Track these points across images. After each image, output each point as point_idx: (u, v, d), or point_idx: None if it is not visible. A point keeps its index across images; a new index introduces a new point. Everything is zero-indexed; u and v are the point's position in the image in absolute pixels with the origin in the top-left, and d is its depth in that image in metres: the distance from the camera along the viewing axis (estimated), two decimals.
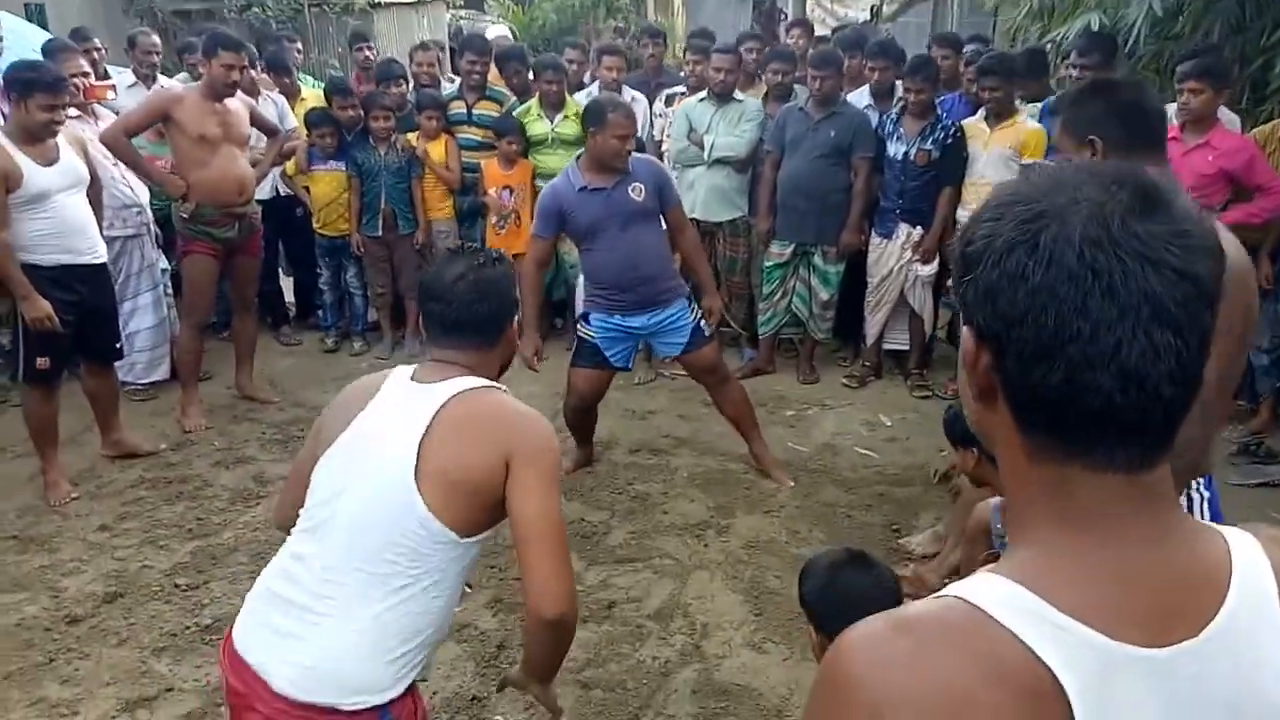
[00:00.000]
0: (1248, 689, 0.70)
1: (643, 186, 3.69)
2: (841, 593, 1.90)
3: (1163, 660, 0.68)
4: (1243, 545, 0.76)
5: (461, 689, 2.77)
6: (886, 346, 5.07)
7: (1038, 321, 0.68)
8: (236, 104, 4.51)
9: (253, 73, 5.44)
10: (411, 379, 1.80)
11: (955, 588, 0.73)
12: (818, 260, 4.91)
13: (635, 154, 3.80)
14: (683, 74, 5.61)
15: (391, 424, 1.74)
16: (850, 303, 5.03)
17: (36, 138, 3.70)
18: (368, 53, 6.49)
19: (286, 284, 6.11)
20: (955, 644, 0.69)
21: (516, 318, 1.94)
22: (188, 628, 3.09)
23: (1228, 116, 4.16)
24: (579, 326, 3.99)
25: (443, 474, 1.66)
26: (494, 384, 1.82)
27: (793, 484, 3.90)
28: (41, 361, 3.82)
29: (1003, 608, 0.69)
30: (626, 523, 3.66)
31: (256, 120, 4.75)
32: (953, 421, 2.81)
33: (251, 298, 4.95)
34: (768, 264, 5.01)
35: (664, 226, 3.88)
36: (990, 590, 0.71)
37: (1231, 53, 4.90)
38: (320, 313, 5.90)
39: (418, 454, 1.67)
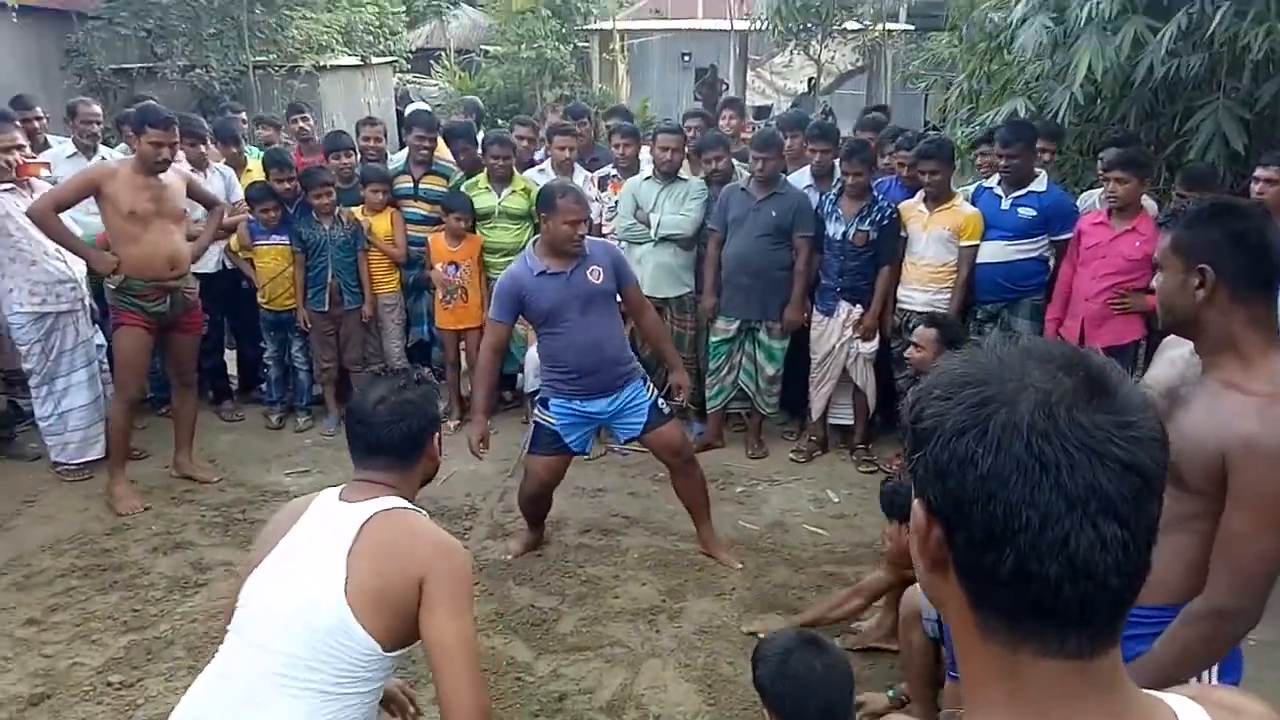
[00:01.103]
0: None
1: (600, 269, 3.72)
2: (795, 676, 1.95)
3: None
4: (1188, 717, 0.77)
5: None
6: (832, 421, 5.15)
7: (987, 509, 0.69)
8: (172, 177, 4.48)
9: (202, 148, 5.42)
10: (339, 498, 1.92)
11: None
12: (763, 336, 5.00)
13: (591, 238, 3.84)
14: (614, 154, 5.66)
15: (319, 539, 1.85)
16: (796, 377, 5.11)
17: None
18: (302, 124, 6.48)
19: (230, 357, 6.00)
20: None
21: (437, 436, 2.05)
22: None
23: (1147, 203, 4.38)
24: (536, 411, 3.98)
25: (368, 591, 1.76)
26: (411, 507, 1.93)
27: (740, 566, 3.91)
28: None
29: None
30: (577, 608, 3.63)
31: (195, 193, 4.70)
32: (891, 495, 2.78)
33: (191, 375, 4.85)
34: (714, 340, 5.07)
35: (618, 307, 3.90)
36: None
37: (1147, 137, 5.18)
38: (264, 387, 5.81)
39: (345, 571, 1.77)
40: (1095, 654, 0.73)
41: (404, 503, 1.92)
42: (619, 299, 3.89)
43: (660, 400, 3.89)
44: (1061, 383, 0.71)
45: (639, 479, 4.78)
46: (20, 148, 4.63)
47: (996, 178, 4.67)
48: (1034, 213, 4.51)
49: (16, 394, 5.17)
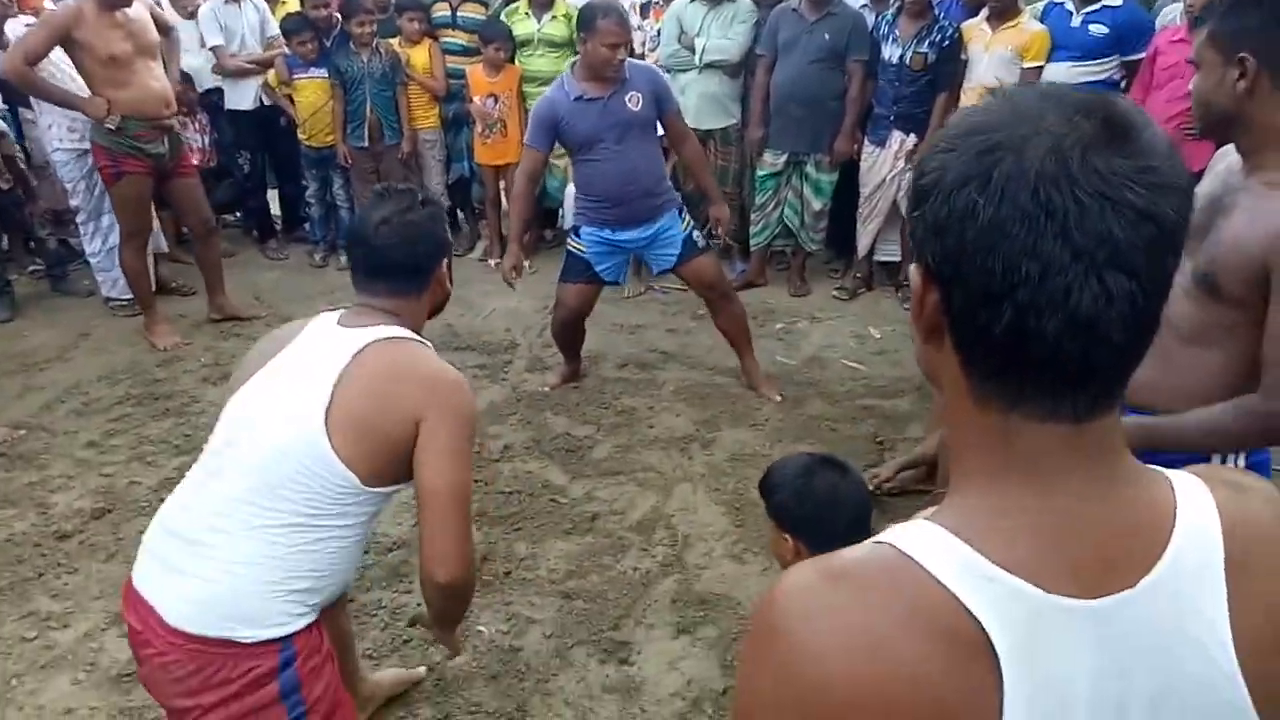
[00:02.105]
0: (1180, 639, 0.68)
1: (640, 95, 3.55)
2: (820, 495, 1.86)
3: (1095, 611, 0.66)
4: (1189, 491, 0.72)
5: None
6: (878, 258, 4.99)
7: (985, 263, 0.64)
8: (138, 9, 4.17)
9: None
10: (337, 323, 1.77)
11: (889, 534, 0.71)
12: (810, 169, 4.80)
13: (632, 61, 3.65)
14: None
15: (308, 364, 1.70)
16: (843, 215, 4.94)
17: None
18: None
19: (272, 196, 6.00)
20: (882, 593, 0.67)
21: (446, 261, 1.88)
22: None
23: None
24: (569, 240, 3.91)
25: (352, 419, 1.62)
26: (414, 336, 1.78)
27: (779, 399, 3.88)
28: None
29: (933, 557, 0.67)
30: (612, 437, 3.66)
31: (156, 20, 4.39)
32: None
33: (208, 219, 4.73)
34: (761, 174, 4.89)
35: (658, 134, 3.76)
36: (922, 539, 0.69)
37: None
38: (307, 226, 5.82)
39: (330, 396, 1.63)
40: (1092, 416, 0.69)
41: (406, 332, 1.77)
42: (659, 127, 3.74)
43: (695, 232, 3.79)
44: (1079, 126, 0.64)
45: (678, 316, 4.73)
46: None
47: None
48: (1106, 30, 4.16)
49: (68, 233, 5.25)
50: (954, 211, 0.65)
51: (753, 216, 5.02)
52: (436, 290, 1.87)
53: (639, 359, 4.32)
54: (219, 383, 4.16)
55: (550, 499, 3.26)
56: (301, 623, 1.63)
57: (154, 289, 4.69)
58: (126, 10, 4.08)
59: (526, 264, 4.04)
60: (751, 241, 5.09)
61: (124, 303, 4.87)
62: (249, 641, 1.58)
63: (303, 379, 1.67)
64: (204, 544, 1.62)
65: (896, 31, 4.50)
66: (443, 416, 1.65)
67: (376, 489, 1.66)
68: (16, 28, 4.65)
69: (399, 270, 1.79)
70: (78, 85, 4.24)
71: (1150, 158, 0.64)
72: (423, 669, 2.50)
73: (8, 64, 4.10)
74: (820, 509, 1.85)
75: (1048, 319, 0.64)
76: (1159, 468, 0.75)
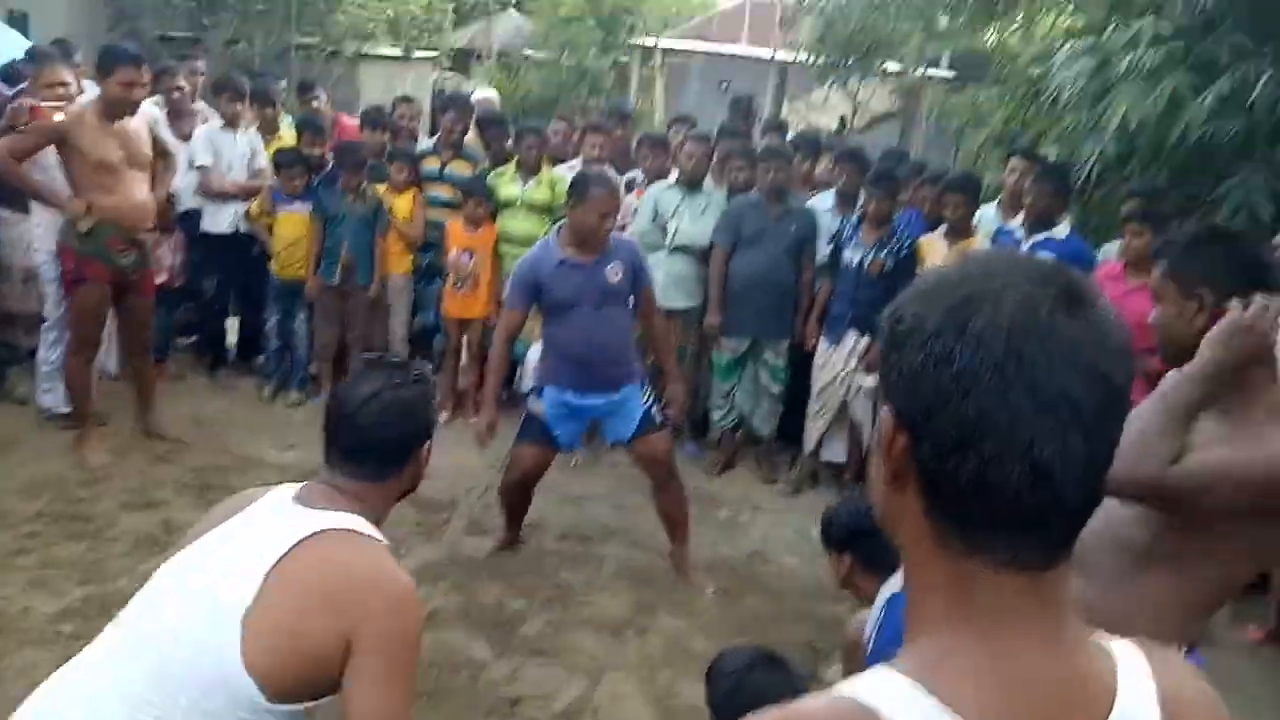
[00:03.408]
0: None
1: (621, 267, 3.63)
2: (751, 696, 1.79)
3: None
4: (1129, 659, 0.77)
5: None
6: (824, 457, 5.05)
7: (959, 408, 0.68)
8: (137, 122, 4.28)
9: (238, 105, 5.44)
10: (293, 498, 1.61)
11: (848, 685, 0.71)
12: (768, 355, 4.93)
13: (615, 233, 3.75)
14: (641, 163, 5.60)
15: (244, 546, 1.52)
16: (791, 409, 5.03)
17: None
18: (314, 104, 6.34)
19: (231, 324, 5.96)
20: None
21: (427, 445, 1.75)
22: None
23: None
24: (530, 401, 3.90)
25: (272, 621, 1.44)
26: (373, 535, 1.60)
27: (711, 591, 3.80)
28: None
29: (894, 706, 0.67)
30: (545, 612, 3.54)
31: (155, 141, 4.50)
32: (828, 525, 2.51)
33: (147, 341, 4.70)
34: (724, 360, 5.00)
35: (630, 307, 3.82)
36: (882, 688, 0.69)
37: (1175, 199, 5.10)
38: (261, 358, 5.76)
39: (256, 592, 1.45)
40: (1047, 567, 0.73)
41: (367, 527, 1.59)
42: (632, 299, 3.81)
43: (655, 408, 3.81)
44: (1043, 287, 0.70)
45: (625, 490, 4.69)
46: (64, 84, 4.56)
47: (1020, 218, 4.58)
48: (1054, 257, 4.43)
49: (13, 337, 5.13)
50: (930, 357, 0.69)
51: (718, 401, 5.09)
52: (411, 474, 1.73)
53: (581, 531, 4.25)
54: (141, 509, 4.00)
55: (471, 675, 3.11)
56: None
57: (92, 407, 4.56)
58: (125, 121, 4.17)
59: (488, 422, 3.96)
60: (717, 424, 5.15)
61: (59, 415, 4.71)
62: None
63: (234, 559, 1.50)
64: (94, 714, 1.45)
65: (859, 236, 4.73)
66: (379, 639, 1.45)
67: (283, 706, 1.45)
68: None
69: (379, 451, 1.65)
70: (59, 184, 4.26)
71: (1104, 324, 0.70)
72: None
73: None
74: (749, 711, 1.78)
75: (1010, 468, 0.68)
76: (1099, 631, 0.79)
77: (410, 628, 1.52)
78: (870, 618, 2.21)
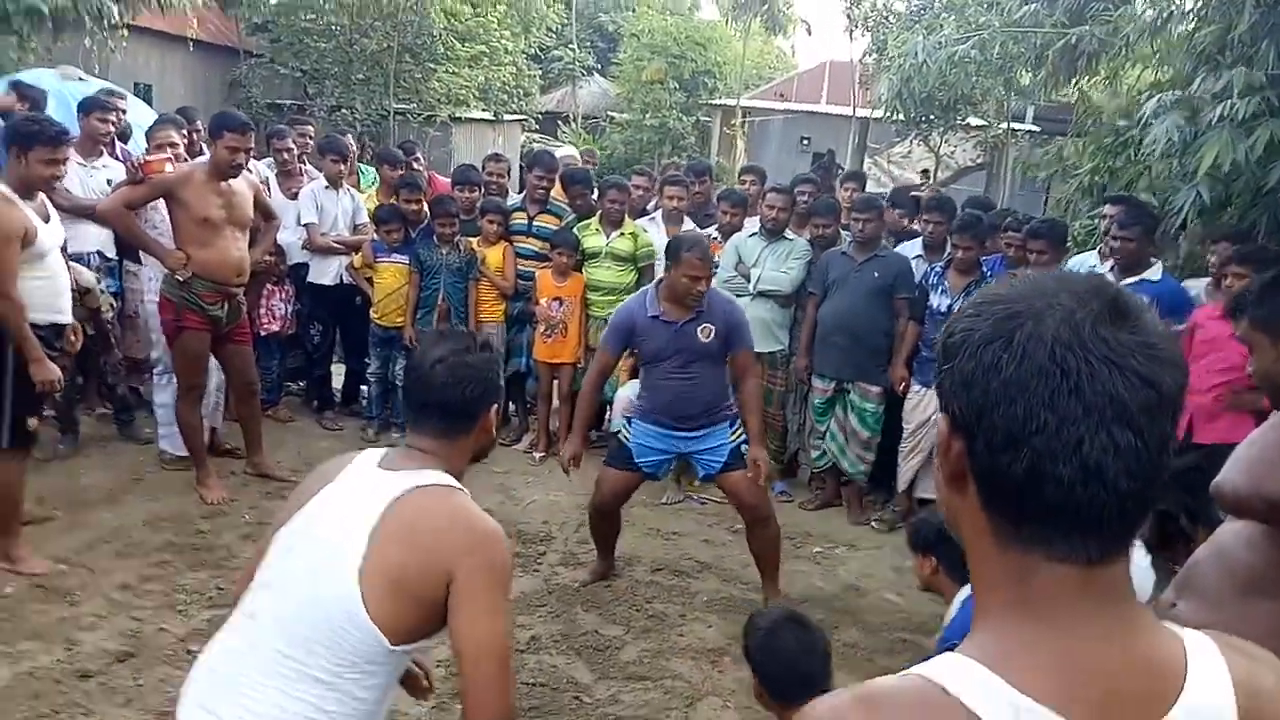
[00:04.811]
0: None
1: (713, 328, 3.73)
2: (779, 648, 2.16)
3: None
4: (1200, 647, 0.79)
5: None
6: (918, 494, 5.05)
7: (1007, 411, 0.73)
8: (242, 184, 4.54)
9: (341, 166, 5.79)
10: (378, 464, 1.77)
11: (918, 667, 0.76)
12: (854, 398, 4.98)
13: (717, 293, 3.85)
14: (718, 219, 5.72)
15: (345, 511, 1.69)
16: (885, 448, 5.05)
17: (33, 193, 3.63)
18: (414, 165, 6.58)
19: (336, 370, 6.27)
20: (913, 718, 0.72)
21: (495, 407, 1.89)
22: None
23: None
24: (621, 427, 4.02)
25: (386, 576, 1.60)
26: (455, 485, 1.76)
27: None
28: (33, 423, 3.69)
29: (963, 686, 0.72)
30: (641, 640, 3.62)
31: (259, 203, 4.74)
32: (917, 529, 2.74)
33: (253, 385, 4.93)
34: (818, 401, 5.10)
35: (725, 363, 3.87)
36: (952, 670, 0.74)
37: (1275, 246, 5.02)
38: (364, 401, 6.03)
39: (365, 549, 1.61)
40: (1104, 560, 0.75)
41: (448, 479, 1.74)
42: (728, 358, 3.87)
43: (744, 446, 3.87)
44: (1088, 303, 0.74)
45: (715, 528, 4.76)
46: (173, 145, 4.96)
47: (1109, 263, 4.58)
48: (1146, 300, 4.38)
49: (140, 381, 5.49)
50: (980, 366, 0.75)
51: (813, 441, 5.18)
52: (481, 436, 1.86)
53: (674, 565, 4.32)
54: (259, 540, 4.18)
55: (574, 696, 3.20)
56: None
57: (208, 446, 4.84)
58: (231, 182, 4.48)
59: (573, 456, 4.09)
60: (814, 464, 5.24)
61: (175, 457, 4.98)
62: None
63: (339, 527, 1.66)
64: (237, 690, 1.62)
65: (946, 283, 4.78)
66: (477, 572, 1.62)
67: (404, 646, 1.63)
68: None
69: (448, 410, 1.79)
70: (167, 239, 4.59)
71: (1151, 335, 0.74)
72: None
73: (105, 205, 4.44)
74: (778, 661, 2.17)
75: (1061, 465, 0.72)
76: (1170, 624, 0.81)
77: (501, 557, 1.69)
78: (947, 615, 2.41)
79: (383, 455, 1.80)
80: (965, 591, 2.30)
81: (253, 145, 4.61)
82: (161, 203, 4.56)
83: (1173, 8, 6.23)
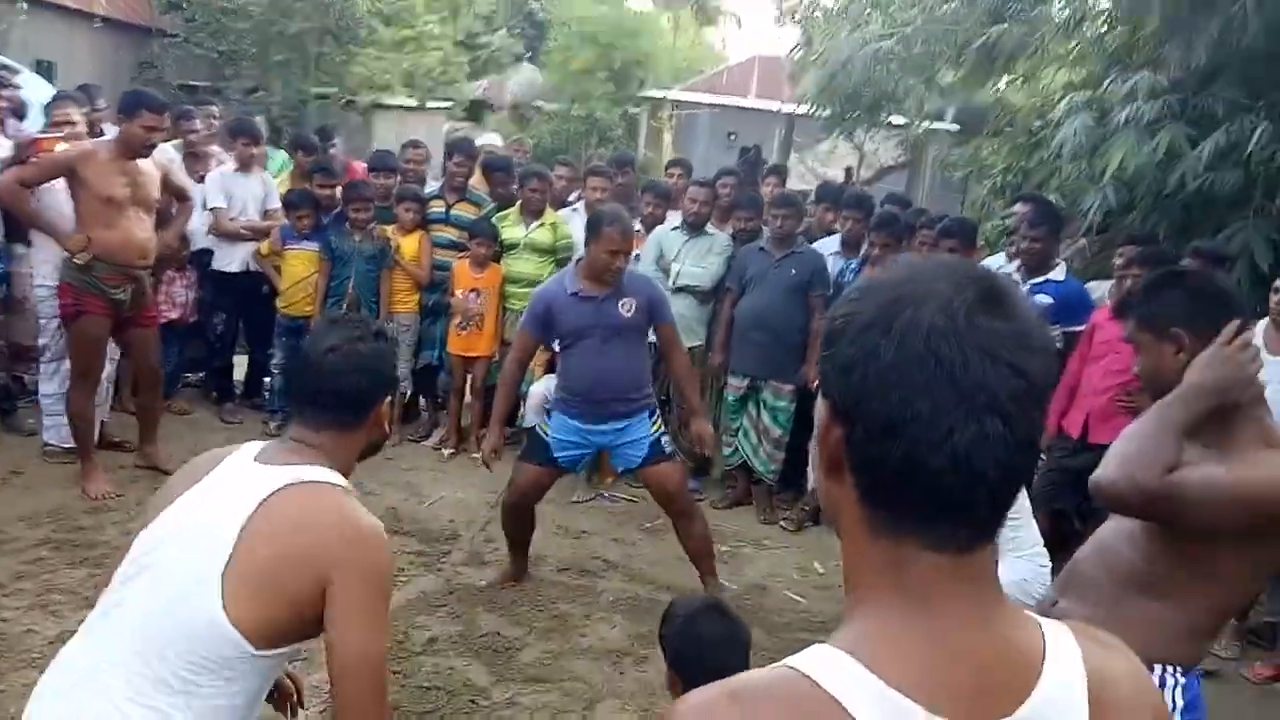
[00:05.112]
0: None
1: (634, 302, 3.70)
2: (696, 637, 2.07)
3: None
4: (1056, 633, 0.80)
5: None
6: None
7: (885, 399, 0.73)
8: (149, 165, 4.40)
9: (254, 150, 5.58)
10: (254, 458, 1.68)
11: (789, 659, 0.75)
12: (767, 396, 4.96)
13: (634, 271, 3.82)
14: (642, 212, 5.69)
15: (214, 507, 1.60)
16: (794, 447, 5.05)
17: None
18: (330, 150, 6.44)
19: (238, 362, 6.04)
20: (778, 710, 0.72)
21: (390, 399, 1.85)
22: None
23: None
24: (538, 421, 3.94)
25: (251, 577, 1.52)
26: (336, 482, 1.68)
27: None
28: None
29: (832, 678, 0.72)
30: (542, 641, 3.54)
31: (169, 184, 4.63)
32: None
33: (156, 370, 4.77)
34: (730, 398, 5.06)
35: (645, 343, 3.87)
36: (822, 661, 0.74)
37: (1175, 248, 5.16)
38: (267, 395, 5.82)
39: (231, 549, 1.53)
40: (973, 548, 0.76)
41: (331, 475, 1.66)
42: (650, 335, 3.86)
43: (665, 438, 3.83)
44: (964, 290, 0.74)
45: (625, 526, 4.71)
46: (73, 124, 4.71)
47: (1016, 263, 4.65)
48: (1050, 301, 4.45)
49: (24, 369, 5.21)
50: (860, 351, 0.74)
51: (724, 439, 5.12)
52: (373, 429, 1.80)
53: (580, 565, 4.25)
54: None
55: (470, 699, 3.11)
56: None
57: (96, 439, 4.62)
58: (138, 160, 4.29)
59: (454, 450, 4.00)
60: (725, 461, 5.19)
61: (60, 450, 4.75)
62: None
63: (207, 525, 1.57)
64: (82, 688, 1.54)
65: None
66: (353, 575, 1.55)
67: (268, 652, 1.55)
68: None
69: (339, 400, 1.72)
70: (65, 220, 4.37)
71: (1022, 323, 0.74)
72: None
73: (2, 182, 4.23)
74: (693, 650, 2.06)
75: (933, 454, 0.72)
76: (1028, 611, 0.82)
77: (380, 562, 1.61)
78: None
79: (261, 449, 1.71)
80: None
81: (168, 126, 4.47)
82: (56, 183, 4.33)
83: (1086, 7, 6.38)
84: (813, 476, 4.92)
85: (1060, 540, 4.23)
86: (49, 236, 4.41)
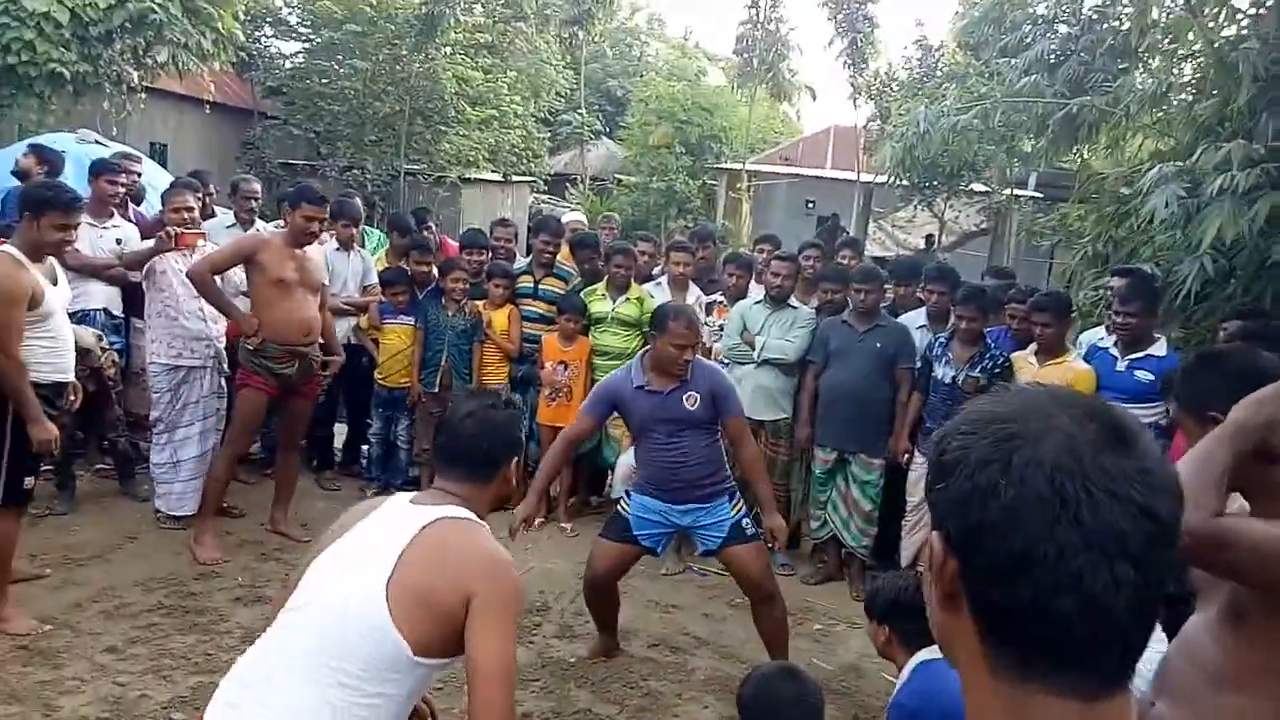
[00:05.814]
0: None
1: (698, 396, 3.69)
2: (769, 698, 2.20)
3: None
4: None
5: None
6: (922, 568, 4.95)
7: (1007, 540, 0.71)
8: (314, 251, 4.84)
9: (354, 230, 5.87)
10: (409, 501, 1.99)
11: None
12: (856, 469, 4.92)
13: (701, 362, 3.82)
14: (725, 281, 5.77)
15: (378, 535, 1.89)
16: (887, 523, 4.98)
17: (43, 256, 3.72)
18: (426, 231, 6.65)
19: (338, 430, 6.25)
20: None
21: (516, 460, 2.11)
22: None
23: None
24: (620, 499, 3.97)
25: (411, 589, 1.77)
26: (476, 519, 1.96)
27: None
28: (30, 482, 3.73)
29: None
30: None
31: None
32: (873, 595, 2.60)
33: (300, 439, 5.08)
34: (819, 471, 5.04)
35: (716, 431, 3.81)
36: None
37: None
38: (365, 463, 6.00)
39: (394, 566, 1.79)
40: (1101, 696, 0.73)
41: (471, 515, 1.95)
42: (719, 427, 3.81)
43: (746, 520, 3.80)
44: (1086, 427, 0.73)
45: (715, 600, 4.67)
46: (190, 209, 5.04)
47: (1113, 338, 4.56)
48: (1152, 377, 4.35)
49: (142, 437, 5.48)
50: (977, 488, 0.72)
51: (814, 512, 5.10)
52: (502, 485, 2.10)
53: (671, 641, 4.23)
54: (250, 605, 4.16)
55: None
56: None
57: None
58: (306, 248, 4.71)
59: (539, 520, 3.96)
60: (814, 535, 5.15)
61: (170, 518, 4.96)
62: None
63: (372, 548, 1.84)
64: (268, 686, 1.76)
65: (949, 354, 4.76)
66: (492, 595, 1.78)
67: (424, 660, 1.77)
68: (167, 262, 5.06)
69: (474, 459, 2.03)
70: (204, 313, 4.89)
71: (1148, 461, 0.72)
72: None
73: (195, 268, 4.62)
74: (765, 710, 2.21)
75: (1063, 599, 0.69)
76: None
77: (514, 586, 1.87)
78: (899, 681, 2.40)
79: (414, 495, 2.03)
80: (918, 658, 2.33)
81: (327, 217, 4.89)
82: (169, 267, 4.79)
83: (1171, 79, 6.32)
84: (906, 554, 4.86)
85: (1173, 625, 4.08)
86: (224, 316, 4.83)
